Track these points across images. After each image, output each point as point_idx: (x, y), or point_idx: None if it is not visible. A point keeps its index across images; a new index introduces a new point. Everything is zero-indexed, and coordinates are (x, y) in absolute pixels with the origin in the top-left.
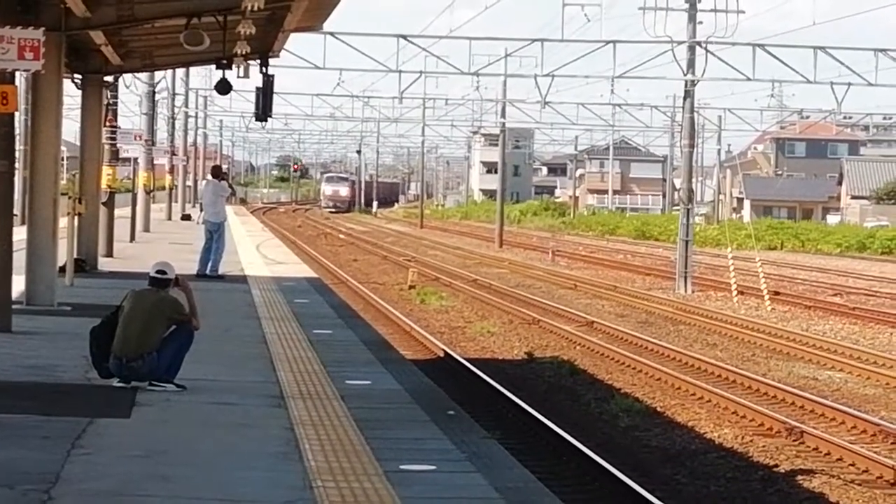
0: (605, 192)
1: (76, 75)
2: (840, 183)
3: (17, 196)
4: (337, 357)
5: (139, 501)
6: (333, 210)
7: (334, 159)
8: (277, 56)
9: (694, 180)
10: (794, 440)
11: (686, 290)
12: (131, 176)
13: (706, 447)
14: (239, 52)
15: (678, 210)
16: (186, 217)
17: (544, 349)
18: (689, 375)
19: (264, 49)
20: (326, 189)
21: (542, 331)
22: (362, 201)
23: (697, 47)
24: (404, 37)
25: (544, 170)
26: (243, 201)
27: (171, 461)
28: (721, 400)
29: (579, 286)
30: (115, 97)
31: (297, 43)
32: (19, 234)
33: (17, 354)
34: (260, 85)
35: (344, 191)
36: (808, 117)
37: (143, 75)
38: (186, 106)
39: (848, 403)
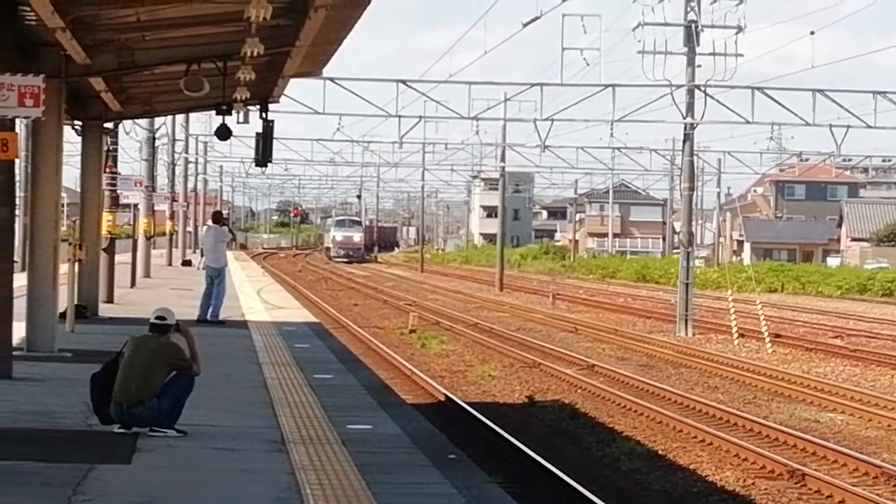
0: (605, 235)
1: (76, 122)
2: (840, 225)
3: (17, 243)
4: (338, 402)
5: None
6: (345, 260)
7: (335, 203)
8: (277, 101)
9: (694, 223)
10: (796, 483)
11: (687, 333)
12: (132, 222)
13: (708, 490)
14: (239, 97)
15: (678, 253)
16: (187, 263)
17: (545, 393)
18: (690, 418)
19: (264, 95)
20: (337, 234)
21: (542, 374)
22: None
23: (696, 90)
24: (404, 82)
25: (544, 213)
26: (243, 247)
27: None
28: (723, 443)
29: (580, 329)
30: (115, 143)
31: (296, 88)
32: (20, 280)
33: (18, 401)
34: (260, 130)
35: (357, 236)
36: (807, 160)
37: (143, 121)
38: (186, 152)
39: (850, 446)
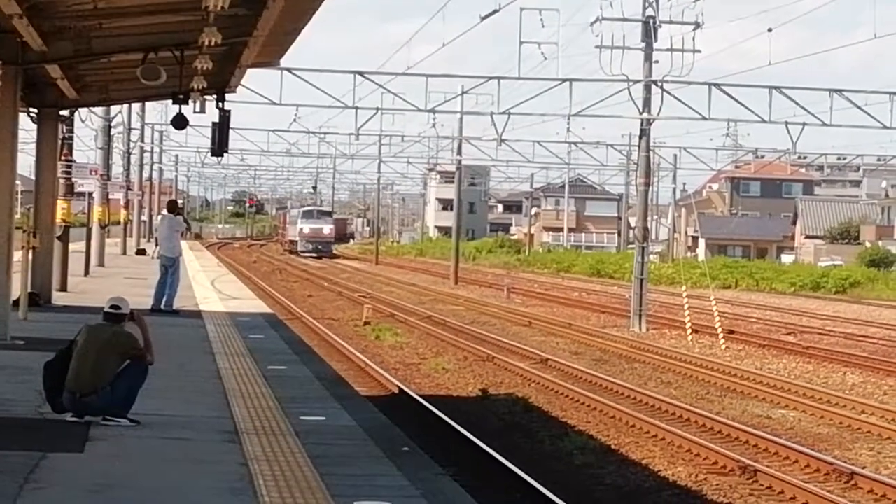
0: (561, 229)
1: (32, 109)
2: (794, 222)
3: None
4: (291, 393)
5: None
6: (314, 255)
7: (291, 194)
8: (234, 91)
9: (649, 219)
10: (748, 479)
11: (641, 328)
12: (86, 210)
13: (660, 485)
14: (196, 87)
15: (633, 248)
16: (141, 252)
17: (499, 386)
18: (643, 413)
19: (221, 84)
20: (304, 226)
21: (496, 368)
22: None
23: (653, 86)
24: (361, 73)
25: (500, 207)
26: (198, 236)
27: (124, 496)
28: (675, 438)
29: (534, 323)
30: (71, 131)
31: (253, 78)
32: None
33: None
34: (216, 120)
35: (327, 228)
36: (763, 157)
37: (99, 109)
38: (142, 140)
39: (801, 442)
